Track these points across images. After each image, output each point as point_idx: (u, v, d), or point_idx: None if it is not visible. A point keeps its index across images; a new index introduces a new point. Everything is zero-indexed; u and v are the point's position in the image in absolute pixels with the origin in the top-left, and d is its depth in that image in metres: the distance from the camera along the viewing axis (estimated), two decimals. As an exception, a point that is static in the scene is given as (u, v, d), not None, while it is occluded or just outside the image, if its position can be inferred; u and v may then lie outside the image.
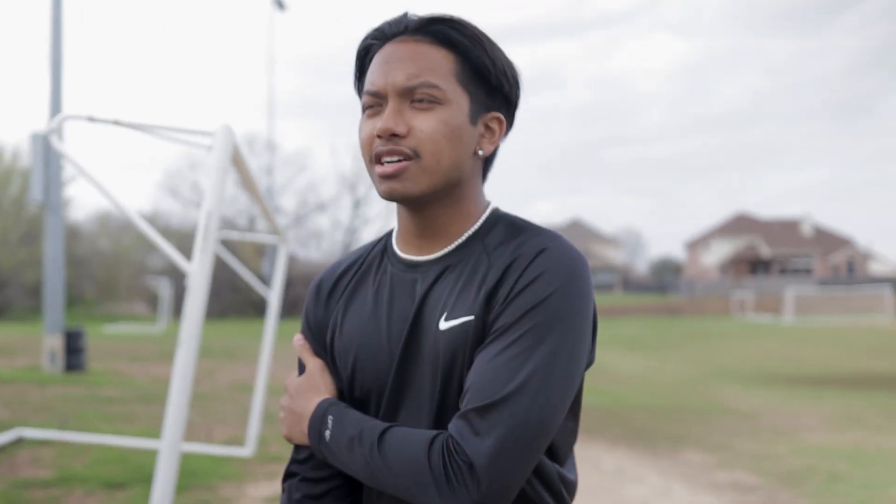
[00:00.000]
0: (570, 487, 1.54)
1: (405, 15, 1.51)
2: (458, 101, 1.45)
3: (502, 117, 1.53)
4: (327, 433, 1.46)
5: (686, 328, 34.62)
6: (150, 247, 44.26)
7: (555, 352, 1.36)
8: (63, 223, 15.11)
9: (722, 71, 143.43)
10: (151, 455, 7.60)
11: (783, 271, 69.27)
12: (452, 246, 1.51)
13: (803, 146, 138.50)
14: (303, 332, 1.66)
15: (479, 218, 1.53)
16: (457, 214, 1.51)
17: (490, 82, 1.48)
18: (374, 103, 1.48)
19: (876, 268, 73.51)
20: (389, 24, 1.51)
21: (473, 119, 1.48)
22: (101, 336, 24.63)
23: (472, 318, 1.42)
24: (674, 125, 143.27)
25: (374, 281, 1.58)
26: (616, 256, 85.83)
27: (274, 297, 8.00)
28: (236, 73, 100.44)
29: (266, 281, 32.37)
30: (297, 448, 1.59)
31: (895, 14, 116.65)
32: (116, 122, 3.64)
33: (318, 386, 1.55)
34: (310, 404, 1.52)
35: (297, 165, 49.64)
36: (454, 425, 1.36)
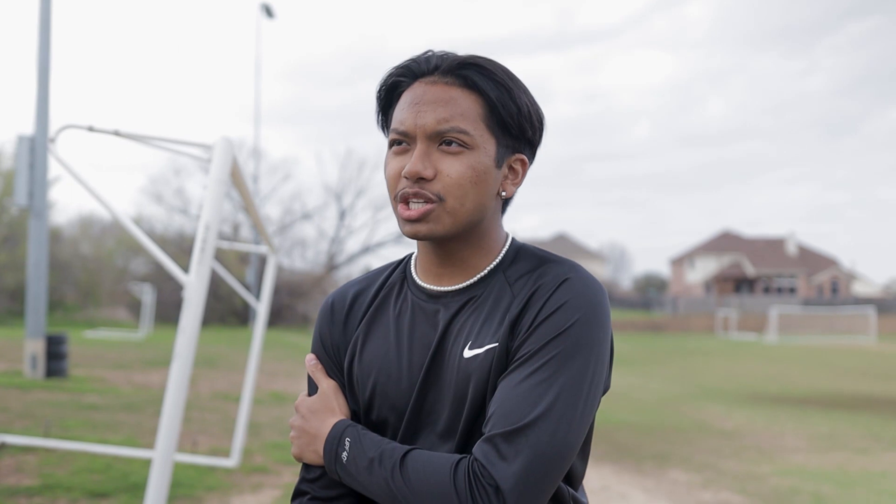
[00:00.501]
0: None
1: (431, 53, 1.53)
2: (485, 146, 1.49)
3: (526, 159, 1.56)
4: (344, 454, 1.48)
5: (670, 345, 34.70)
6: (133, 252, 44.07)
7: (577, 379, 1.40)
8: (47, 227, 15.02)
9: (709, 88, 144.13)
10: (136, 464, 7.55)
11: (767, 290, 69.58)
12: (475, 278, 1.55)
13: (788, 165, 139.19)
14: (315, 352, 1.66)
15: (499, 251, 1.58)
16: (478, 249, 1.55)
17: (516, 128, 1.51)
18: (401, 141, 1.50)
19: (860, 289, 73.94)
20: (417, 62, 1.53)
21: (499, 162, 1.51)
22: (83, 342, 24.46)
23: (495, 345, 1.46)
24: (660, 141, 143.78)
25: (395, 308, 1.61)
26: (601, 272, 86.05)
27: (262, 308, 7.96)
28: (223, 80, 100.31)
29: (249, 289, 32.29)
30: (308, 467, 1.59)
31: (882, 35, 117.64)
32: (117, 133, 3.62)
33: (332, 407, 1.56)
34: (324, 425, 1.54)
35: (282, 173, 49.57)
36: (479, 449, 1.38)
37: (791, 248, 73.09)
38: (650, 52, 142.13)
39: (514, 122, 1.50)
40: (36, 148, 14.05)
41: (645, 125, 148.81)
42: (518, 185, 1.57)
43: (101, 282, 41.76)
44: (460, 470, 1.38)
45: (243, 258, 40.23)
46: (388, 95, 1.56)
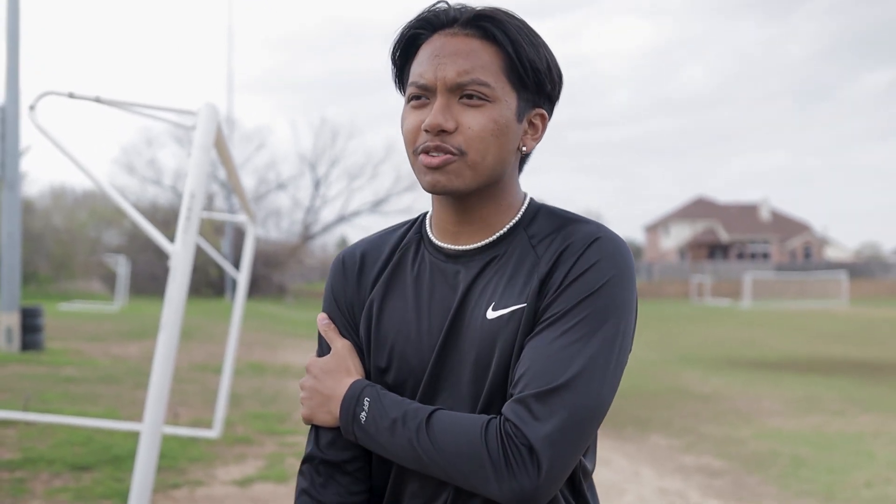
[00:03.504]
0: (587, 474, 1.55)
1: (447, 5, 1.50)
2: (507, 99, 1.45)
3: (546, 114, 1.53)
4: (363, 415, 1.45)
5: (646, 312, 34.86)
6: (106, 223, 43.68)
7: (609, 339, 1.39)
8: (20, 198, 14.83)
9: (688, 54, 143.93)
10: (117, 436, 7.51)
11: (741, 256, 70.05)
12: (494, 236, 1.52)
13: (765, 131, 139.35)
14: (328, 310, 1.63)
15: (518, 209, 1.54)
16: (497, 206, 1.52)
17: (536, 80, 1.48)
18: (421, 95, 1.46)
19: (832, 253, 74.62)
20: (436, 14, 1.49)
21: (519, 116, 1.48)
22: (58, 314, 24.29)
23: (523, 305, 1.43)
24: (638, 108, 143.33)
25: (413, 269, 1.57)
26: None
27: (243, 278, 7.91)
28: (198, 49, 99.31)
29: (225, 259, 32.10)
30: (317, 432, 1.56)
31: (859, 2, 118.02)
32: (98, 100, 3.54)
33: (347, 367, 1.53)
34: (340, 385, 1.50)
35: (256, 143, 49.26)
36: (511, 410, 1.36)
37: (764, 214, 73.55)
38: (630, 19, 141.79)
39: (533, 75, 1.47)
40: (7, 118, 13.84)
41: (624, 92, 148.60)
42: (538, 140, 1.54)
43: (74, 254, 41.39)
44: (491, 429, 1.35)
45: (218, 228, 40.02)
46: (406, 50, 1.52)
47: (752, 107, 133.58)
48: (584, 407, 1.35)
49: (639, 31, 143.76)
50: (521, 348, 1.42)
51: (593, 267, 1.41)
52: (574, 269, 1.41)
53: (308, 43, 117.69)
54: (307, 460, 1.57)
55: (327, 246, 57.68)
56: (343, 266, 1.64)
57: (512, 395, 1.38)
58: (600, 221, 1.50)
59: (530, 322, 1.42)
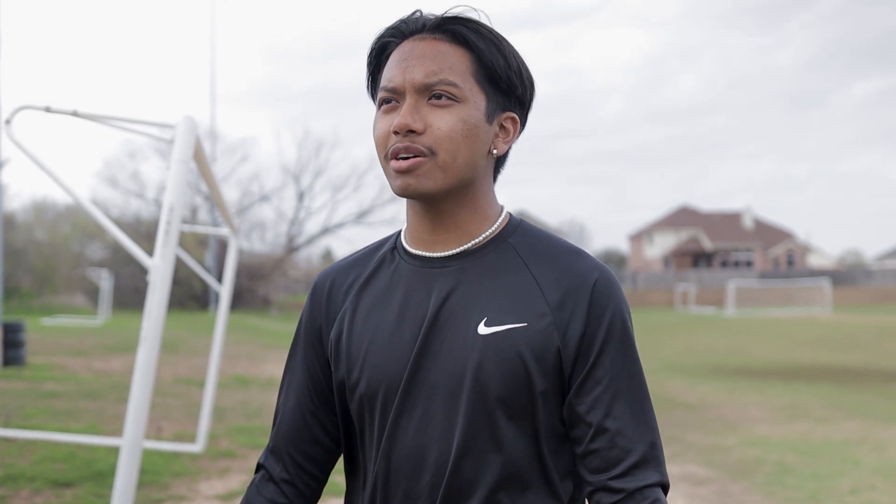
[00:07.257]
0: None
1: (420, 14, 1.51)
2: (476, 100, 1.45)
3: (517, 117, 1.53)
4: None
5: (630, 320, 34.94)
6: (89, 237, 43.48)
7: (643, 381, 1.51)
8: (1, 213, 14.76)
9: (680, 64, 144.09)
10: (100, 451, 7.45)
11: (725, 264, 70.32)
12: (471, 243, 1.51)
13: (755, 139, 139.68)
14: (297, 327, 1.65)
15: (495, 219, 1.54)
16: (472, 213, 1.51)
17: (505, 83, 1.48)
18: (391, 98, 1.47)
19: (815, 261, 75.00)
20: (406, 22, 1.50)
21: (489, 118, 1.48)
22: (40, 329, 24.12)
23: (522, 325, 1.44)
24: (630, 117, 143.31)
25: (386, 279, 1.56)
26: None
27: (225, 291, 7.87)
28: (182, 61, 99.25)
29: (209, 273, 31.97)
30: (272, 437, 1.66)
31: (850, 11, 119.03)
32: (75, 114, 3.52)
33: None
34: None
35: (240, 155, 49.12)
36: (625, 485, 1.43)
37: (747, 222, 73.87)
38: (624, 29, 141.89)
39: (502, 77, 1.47)
40: (-13, 132, 13.78)
41: (616, 101, 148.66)
42: (509, 143, 1.53)
43: (57, 268, 41.14)
44: None
45: (202, 241, 39.89)
46: (378, 58, 1.53)
47: (743, 115, 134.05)
48: (659, 446, 1.49)
49: (632, 42, 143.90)
50: (526, 369, 1.43)
51: (610, 314, 1.47)
52: (593, 317, 1.46)
53: (299, 55, 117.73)
54: (258, 465, 1.65)
55: (312, 258, 57.61)
56: (315, 286, 1.65)
57: (606, 481, 1.45)
58: (584, 230, 1.52)
59: (541, 343, 1.44)
